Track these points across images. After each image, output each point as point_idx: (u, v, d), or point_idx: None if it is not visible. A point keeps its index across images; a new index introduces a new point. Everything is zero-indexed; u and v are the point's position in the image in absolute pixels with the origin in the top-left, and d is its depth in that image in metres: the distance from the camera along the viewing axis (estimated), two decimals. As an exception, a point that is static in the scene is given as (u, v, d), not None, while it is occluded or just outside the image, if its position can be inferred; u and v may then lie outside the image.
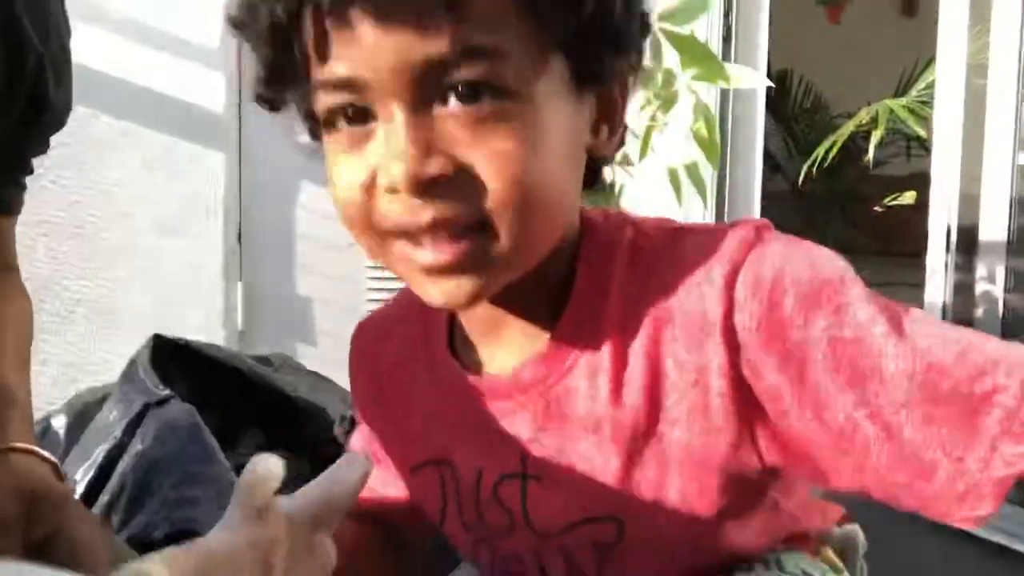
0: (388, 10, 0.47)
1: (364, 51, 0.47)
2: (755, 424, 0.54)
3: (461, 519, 0.64)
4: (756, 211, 2.21)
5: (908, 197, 3.99)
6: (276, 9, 0.49)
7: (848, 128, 3.32)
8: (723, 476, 0.55)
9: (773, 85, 1.91)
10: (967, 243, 1.65)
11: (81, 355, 2.18)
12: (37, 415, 1.26)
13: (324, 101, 0.51)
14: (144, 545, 0.88)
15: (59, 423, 1.22)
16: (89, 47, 2.07)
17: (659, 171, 1.70)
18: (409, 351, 0.67)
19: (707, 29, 2.17)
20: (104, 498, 1.01)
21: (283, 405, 1.26)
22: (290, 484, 0.49)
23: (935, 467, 0.48)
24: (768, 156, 3.19)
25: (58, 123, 0.75)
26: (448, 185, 0.48)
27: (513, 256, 0.51)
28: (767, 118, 2.43)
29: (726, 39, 2.21)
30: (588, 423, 0.56)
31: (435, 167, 0.48)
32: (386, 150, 0.49)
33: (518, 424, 0.59)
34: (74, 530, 0.59)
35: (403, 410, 0.67)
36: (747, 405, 0.53)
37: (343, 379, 1.42)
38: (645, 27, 0.57)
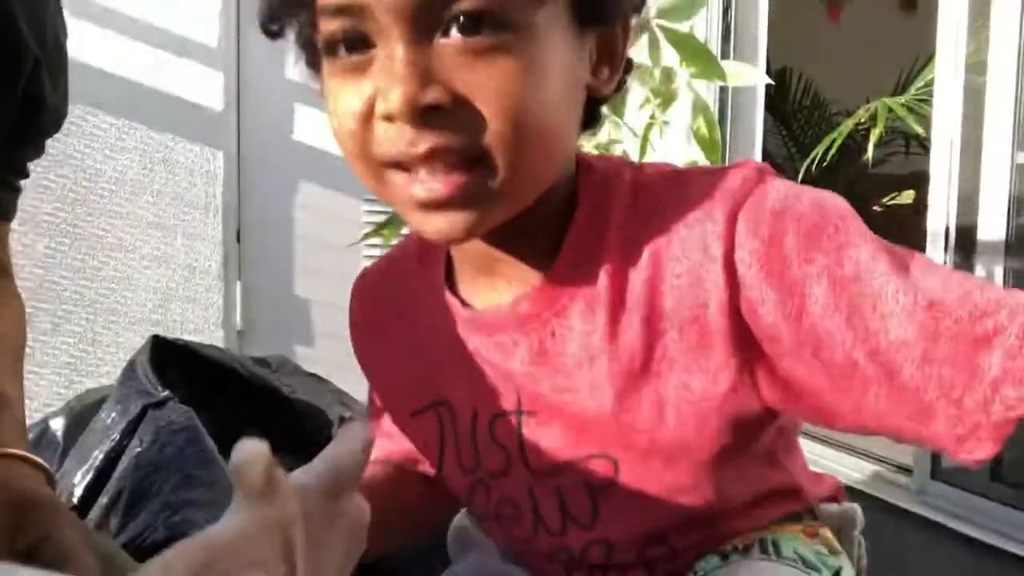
0: None
1: None
2: (754, 363, 0.54)
3: (459, 461, 0.64)
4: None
5: (907, 196, 3.99)
6: None
7: (847, 126, 3.32)
8: (720, 417, 0.55)
9: (772, 83, 1.90)
10: (966, 242, 1.65)
11: (79, 356, 2.18)
12: (35, 417, 1.27)
13: (325, 27, 0.50)
14: (143, 548, 0.88)
15: (57, 425, 1.22)
16: (88, 45, 2.07)
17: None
18: (410, 295, 0.67)
19: (706, 26, 2.17)
20: (103, 500, 1.00)
21: (282, 407, 1.26)
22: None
23: (933, 410, 0.47)
24: (767, 154, 3.19)
25: (54, 126, 0.74)
26: (445, 116, 0.48)
27: (509, 190, 0.51)
28: (766, 116, 2.43)
29: (725, 37, 2.21)
30: (583, 359, 0.56)
31: (432, 95, 0.48)
32: (384, 77, 0.48)
33: (514, 360, 0.59)
34: (62, 537, 0.59)
35: (403, 356, 0.67)
36: (746, 344, 0.53)
37: (342, 380, 1.43)
38: None
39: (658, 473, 0.57)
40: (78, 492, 1.03)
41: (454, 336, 0.62)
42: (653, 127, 1.59)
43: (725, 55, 2.16)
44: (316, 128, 2.36)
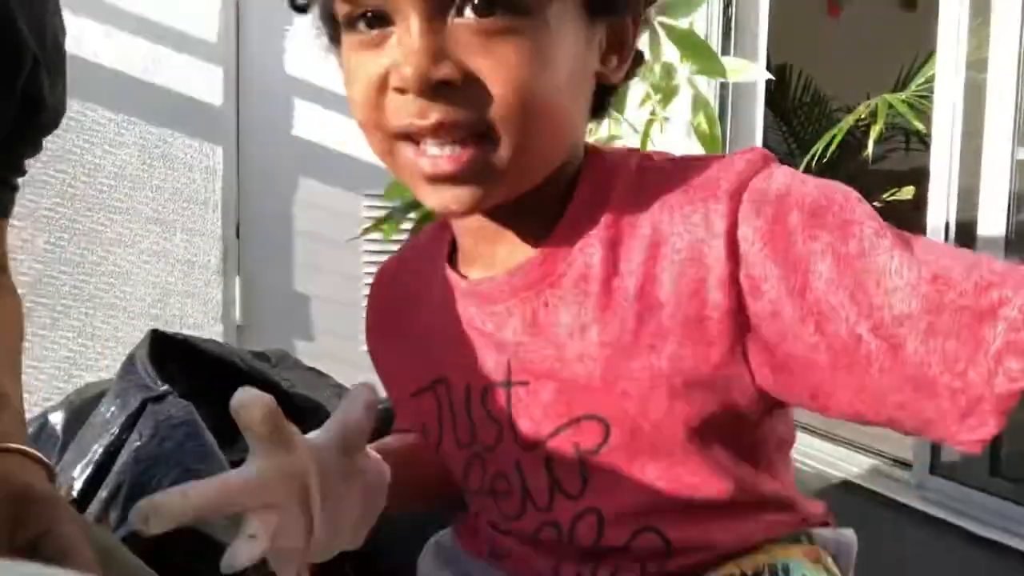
0: None
1: None
2: (748, 343, 0.54)
3: (456, 436, 0.65)
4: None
5: (907, 192, 3.99)
6: None
7: (847, 122, 3.31)
8: (711, 392, 0.55)
9: (772, 79, 1.90)
10: (965, 239, 1.65)
11: (78, 350, 2.18)
12: (35, 411, 1.27)
13: (346, 3, 0.53)
14: (142, 542, 0.88)
15: (57, 419, 1.22)
16: (87, 40, 2.06)
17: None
18: (421, 280, 0.69)
19: (707, 23, 2.17)
20: (102, 494, 1.01)
21: (281, 401, 1.25)
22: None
23: (936, 385, 0.47)
24: (767, 150, 3.18)
25: (52, 124, 0.75)
26: (455, 91, 0.51)
27: (514, 167, 0.53)
28: (766, 112, 2.43)
29: (726, 33, 2.21)
30: (575, 328, 0.57)
31: (444, 71, 0.50)
32: (400, 52, 0.51)
33: (506, 330, 0.60)
34: (63, 532, 0.59)
35: (410, 344, 0.69)
36: (741, 323, 0.53)
37: (341, 375, 1.43)
38: None
39: (649, 439, 0.57)
40: (77, 486, 1.04)
41: (453, 312, 0.63)
42: (654, 123, 1.59)
43: (725, 51, 2.16)
44: (315, 124, 2.36)
